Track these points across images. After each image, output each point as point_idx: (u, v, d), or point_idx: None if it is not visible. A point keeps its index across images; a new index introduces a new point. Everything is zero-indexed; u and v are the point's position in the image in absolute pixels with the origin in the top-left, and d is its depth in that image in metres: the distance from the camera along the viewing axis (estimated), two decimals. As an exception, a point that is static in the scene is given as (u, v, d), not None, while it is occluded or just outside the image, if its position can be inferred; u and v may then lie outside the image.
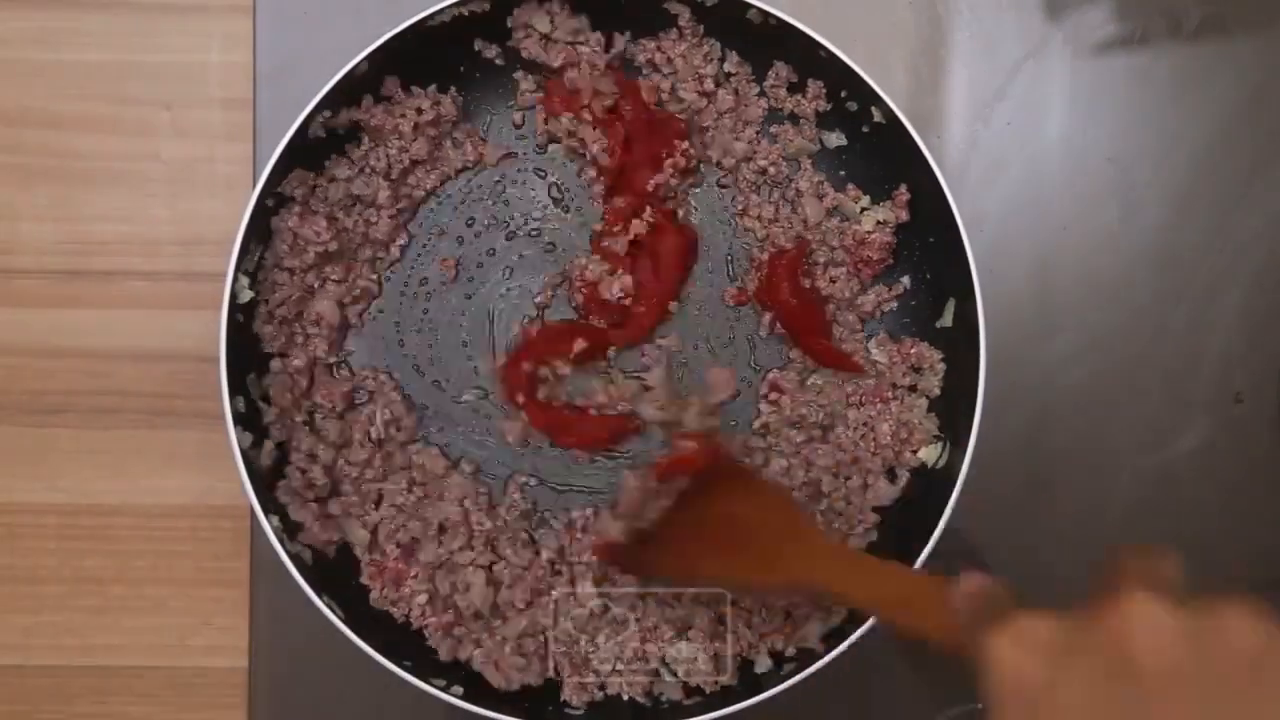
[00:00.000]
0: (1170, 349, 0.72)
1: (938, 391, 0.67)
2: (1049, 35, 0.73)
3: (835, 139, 0.69)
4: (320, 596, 0.60)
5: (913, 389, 0.67)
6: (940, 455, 0.65)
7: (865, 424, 0.67)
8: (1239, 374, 0.72)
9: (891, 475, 0.67)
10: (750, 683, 0.63)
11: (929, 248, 0.67)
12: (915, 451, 0.66)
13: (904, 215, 0.67)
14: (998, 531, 0.70)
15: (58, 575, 0.71)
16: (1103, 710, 0.33)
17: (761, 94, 0.69)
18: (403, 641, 0.64)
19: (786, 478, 0.66)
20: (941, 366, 0.67)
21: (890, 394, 0.67)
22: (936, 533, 0.61)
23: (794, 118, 0.69)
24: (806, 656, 0.62)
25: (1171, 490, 0.72)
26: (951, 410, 0.66)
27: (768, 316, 0.68)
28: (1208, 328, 0.72)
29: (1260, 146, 0.73)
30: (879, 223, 0.67)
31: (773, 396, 0.67)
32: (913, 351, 0.67)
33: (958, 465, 0.62)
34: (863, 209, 0.68)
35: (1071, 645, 0.35)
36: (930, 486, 0.65)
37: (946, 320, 0.66)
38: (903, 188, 0.67)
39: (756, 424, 0.68)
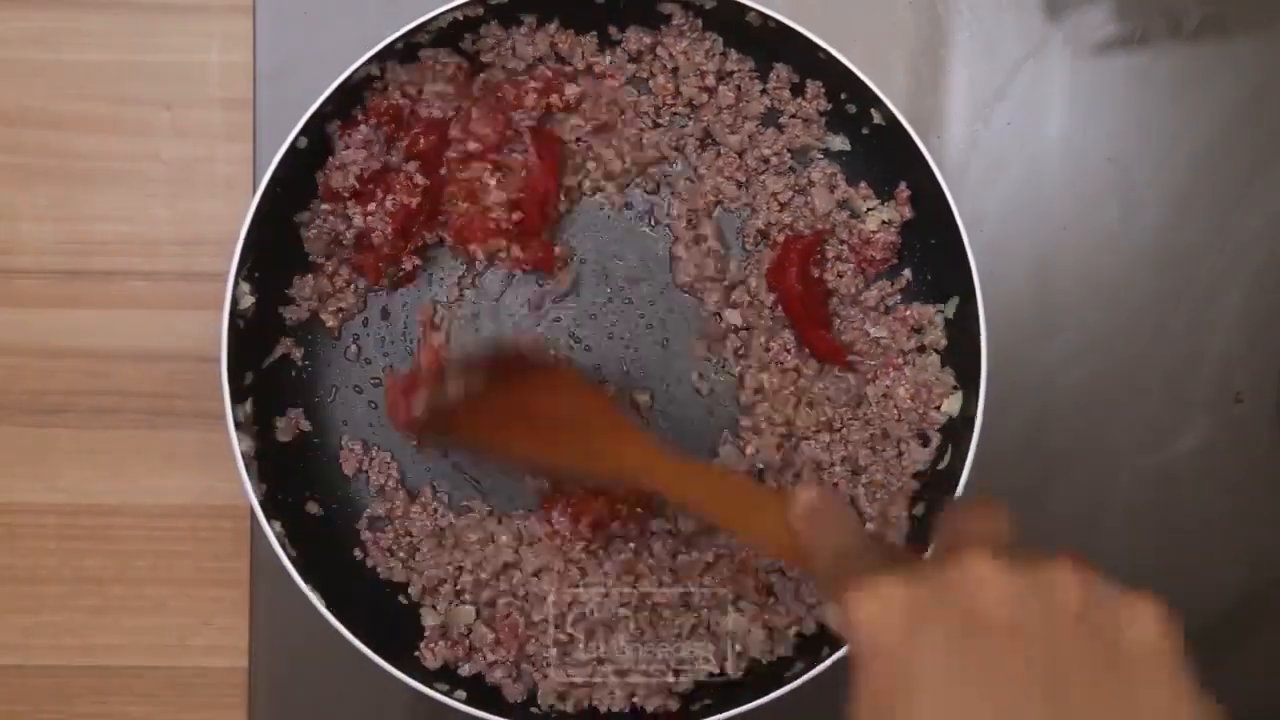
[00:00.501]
0: (1170, 349, 0.72)
1: (945, 343, 0.67)
2: (1049, 35, 0.73)
3: (839, 142, 0.69)
4: (317, 595, 0.60)
5: (920, 349, 0.68)
6: (964, 405, 0.66)
7: (884, 395, 0.67)
8: (1239, 374, 0.72)
9: (923, 438, 0.67)
10: (757, 682, 0.63)
11: (930, 248, 0.67)
12: (939, 408, 0.66)
13: (907, 213, 0.67)
14: (998, 531, 0.70)
15: (58, 575, 0.71)
16: (960, 667, 0.35)
17: (764, 92, 0.69)
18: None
19: (827, 453, 0.67)
20: (940, 319, 0.67)
21: (901, 360, 0.67)
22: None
23: (798, 118, 0.69)
24: (810, 658, 0.62)
25: (1171, 490, 0.72)
26: (963, 358, 0.66)
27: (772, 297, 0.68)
28: (1208, 328, 0.72)
29: (1260, 146, 0.73)
30: (884, 222, 0.67)
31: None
32: (909, 314, 0.67)
33: (973, 408, 0.63)
34: (868, 209, 0.68)
35: (924, 605, 0.36)
36: (952, 438, 0.66)
37: (949, 313, 0.67)
38: (903, 185, 0.67)
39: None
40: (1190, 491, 0.72)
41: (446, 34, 0.65)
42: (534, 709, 0.64)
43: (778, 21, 0.64)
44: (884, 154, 0.67)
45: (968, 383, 0.65)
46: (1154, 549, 0.71)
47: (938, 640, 0.35)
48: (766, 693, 0.61)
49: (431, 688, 0.60)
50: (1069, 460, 0.72)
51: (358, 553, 0.67)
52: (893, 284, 0.68)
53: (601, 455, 0.58)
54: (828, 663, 0.60)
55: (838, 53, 0.63)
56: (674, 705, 0.64)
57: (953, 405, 0.66)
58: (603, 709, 0.64)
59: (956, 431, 0.65)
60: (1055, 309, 0.72)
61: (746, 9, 0.64)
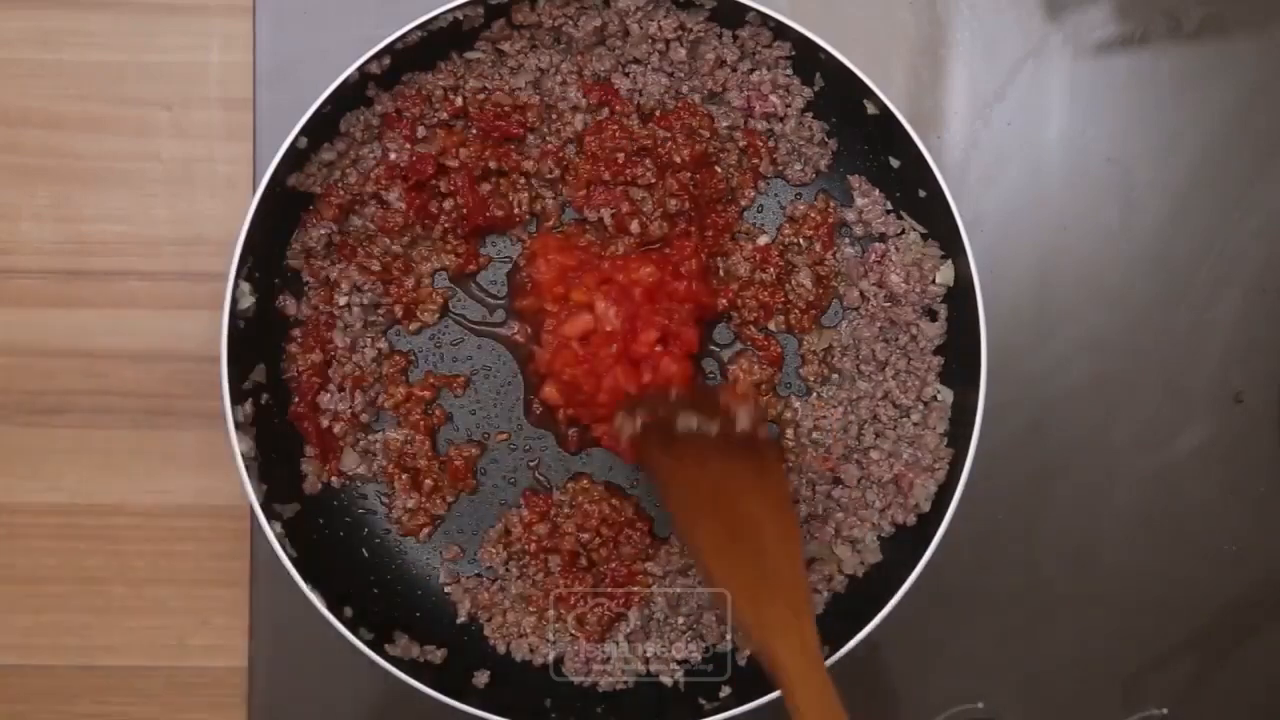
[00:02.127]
0: (1170, 349, 0.72)
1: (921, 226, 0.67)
2: (1049, 35, 0.73)
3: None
4: (317, 595, 0.60)
5: (901, 234, 0.68)
6: (958, 273, 0.66)
7: (877, 285, 0.68)
8: (1239, 374, 0.72)
9: (930, 314, 0.67)
10: (749, 686, 0.63)
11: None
12: (934, 281, 0.67)
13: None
14: (998, 531, 0.70)
15: (58, 575, 0.71)
16: None
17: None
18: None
19: (851, 353, 0.68)
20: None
21: (883, 247, 0.68)
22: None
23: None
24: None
25: (1171, 490, 0.72)
26: (943, 231, 0.66)
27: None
28: (1208, 328, 0.72)
29: (1260, 146, 0.73)
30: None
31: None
32: (864, 204, 0.68)
33: (967, 275, 0.63)
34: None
35: None
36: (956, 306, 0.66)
37: (947, 278, 0.67)
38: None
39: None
40: (1190, 491, 0.72)
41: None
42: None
43: (777, 20, 0.64)
44: (884, 154, 0.67)
45: (956, 252, 0.65)
46: (1154, 549, 0.71)
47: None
48: (766, 693, 0.60)
49: (431, 687, 0.60)
50: (1069, 460, 0.72)
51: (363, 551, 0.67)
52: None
53: (767, 621, 0.54)
54: (827, 663, 0.60)
55: (838, 53, 0.63)
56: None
57: (946, 275, 0.66)
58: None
59: (957, 299, 0.65)
60: (1055, 309, 0.72)
61: (747, 9, 0.64)
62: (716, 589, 0.57)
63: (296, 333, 0.67)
